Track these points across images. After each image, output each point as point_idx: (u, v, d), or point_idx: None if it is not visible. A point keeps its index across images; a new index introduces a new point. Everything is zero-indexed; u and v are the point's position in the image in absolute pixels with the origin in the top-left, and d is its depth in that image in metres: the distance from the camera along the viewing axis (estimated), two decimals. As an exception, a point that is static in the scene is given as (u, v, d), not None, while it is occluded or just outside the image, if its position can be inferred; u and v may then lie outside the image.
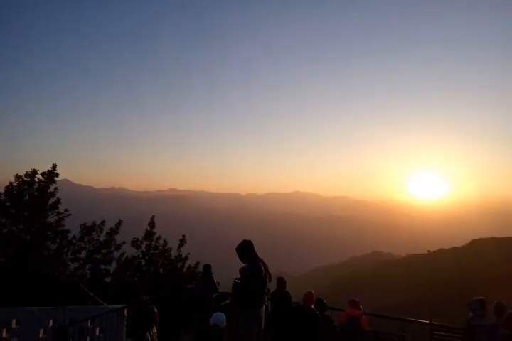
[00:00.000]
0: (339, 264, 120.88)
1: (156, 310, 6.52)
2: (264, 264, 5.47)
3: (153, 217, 11.67)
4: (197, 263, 11.30)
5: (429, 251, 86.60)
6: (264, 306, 5.55)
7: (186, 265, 11.36)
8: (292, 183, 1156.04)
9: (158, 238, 11.23)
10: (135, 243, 10.93)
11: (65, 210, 10.11)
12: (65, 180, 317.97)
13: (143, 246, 10.93)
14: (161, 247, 11.15)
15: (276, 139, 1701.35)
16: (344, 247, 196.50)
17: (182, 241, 11.48)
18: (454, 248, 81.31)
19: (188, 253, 11.48)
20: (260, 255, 5.51)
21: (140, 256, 10.83)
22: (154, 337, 6.44)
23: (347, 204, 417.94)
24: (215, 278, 9.32)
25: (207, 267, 9.25)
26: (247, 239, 5.56)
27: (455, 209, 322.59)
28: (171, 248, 11.36)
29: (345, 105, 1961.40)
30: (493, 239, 78.44)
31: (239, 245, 5.41)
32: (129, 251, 10.91)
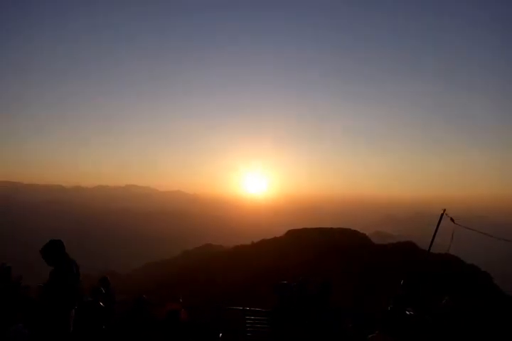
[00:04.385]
0: (171, 259, 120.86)
1: None
2: (76, 266, 5.15)
3: None
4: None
5: (253, 241, 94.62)
6: (73, 311, 5.18)
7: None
8: (124, 177, 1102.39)
9: None
10: None
11: None
12: None
13: None
14: None
15: (106, 130, 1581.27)
16: (176, 242, 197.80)
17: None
18: (274, 238, 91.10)
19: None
20: (86, 253, 5.11)
21: None
22: None
23: (180, 199, 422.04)
24: (22, 282, 8.05)
25: (5, 269, 7.94)
26: (57, 238, 5.14)
27: (273, 204, 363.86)
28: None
29: (184, 102, 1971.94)
30: (304, 229, 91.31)
31: (44, 246, 4.98)
32: None
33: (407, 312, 6.05)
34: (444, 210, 8.52)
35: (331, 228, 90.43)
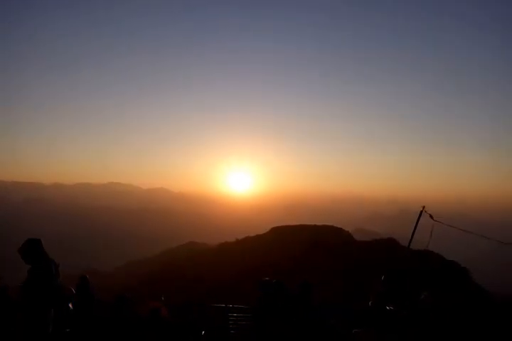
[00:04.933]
0: (153, 257, 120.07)
1: None
2: (55, 265, 5.07)
3: None
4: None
5: (237, 238, 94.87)
6: (52, 310, 5.10)
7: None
8: (107, 174, 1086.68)
9: None
10: None
11: None
12: None
13: None
14: None
15: (89, 127, 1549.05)
16: (160, 240, 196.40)
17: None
18: (258, 235, 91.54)
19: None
20: (68, 252, 5.00)
21: None
22: None
23: (163, 196, 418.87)
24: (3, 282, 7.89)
25: None
26: (35, 237, 5.05)
27: (258, 202, 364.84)
28: None
29: (174, 99, 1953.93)
30: (288, 226, 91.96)
31: (22, 245, 4.91)
32: None
33: (388, 308, 6.17)
34: (423, 207, 8.66)
35: (315, 225, 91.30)
